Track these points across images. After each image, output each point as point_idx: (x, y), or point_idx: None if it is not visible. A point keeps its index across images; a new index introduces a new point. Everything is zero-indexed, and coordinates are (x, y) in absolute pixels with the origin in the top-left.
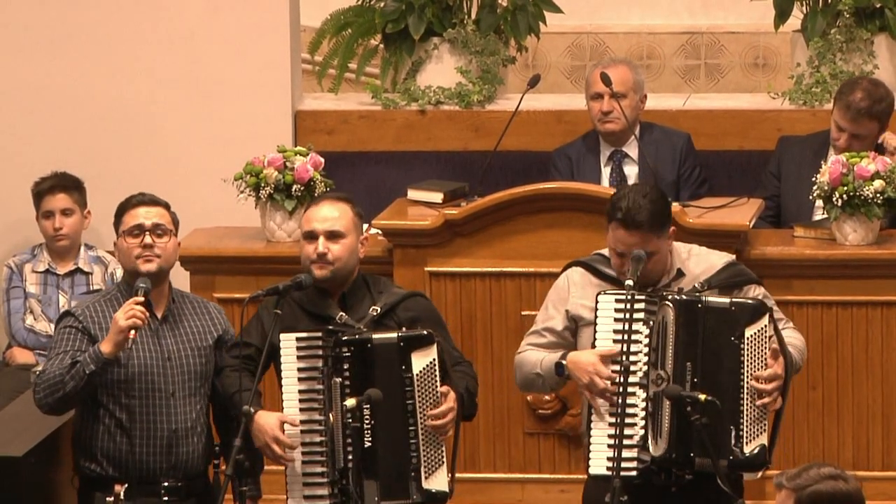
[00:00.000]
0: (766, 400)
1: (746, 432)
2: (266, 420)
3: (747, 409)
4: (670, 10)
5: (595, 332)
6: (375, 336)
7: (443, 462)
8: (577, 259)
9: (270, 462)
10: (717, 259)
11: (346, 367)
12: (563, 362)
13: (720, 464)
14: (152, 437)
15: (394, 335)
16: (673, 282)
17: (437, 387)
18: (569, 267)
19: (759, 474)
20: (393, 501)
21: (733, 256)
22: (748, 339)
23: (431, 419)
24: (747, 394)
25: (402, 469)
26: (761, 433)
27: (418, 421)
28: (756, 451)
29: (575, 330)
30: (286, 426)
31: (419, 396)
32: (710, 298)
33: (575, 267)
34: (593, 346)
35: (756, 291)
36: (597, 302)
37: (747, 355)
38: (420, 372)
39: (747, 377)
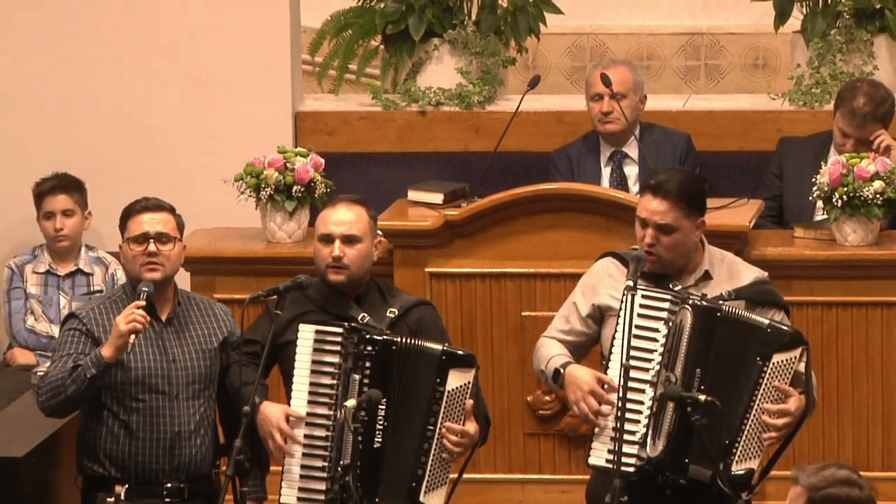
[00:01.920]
0: (772, 434)
1: (740, 452)
2: (271, 411)
3: (748, 430)
4: (670, 11)
5: (617, 324)
6: (421, 343)
7: (445, 483)
8: (614, 251)
9: (275, 463)
10: (748, 273)
11: (367, 364)
12: (562, 371)
13: (691, 465)
14: (155, 438)
15: (438, 347)
16: (699, 282)
17: (463, 410)
18: (605, 256)
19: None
20: None
21: (766, 274)
22: (774, 364)
23: (450, 437)
24: (754, 416)
25: (406, 475)
26: (754, 457)
27: (436, 435)
28: (742, 474)
29: (599, 319)
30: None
31: (444, 413)
32: (750, 315)
33: (611, 258)
34: (612, 340)
35: (777, 316)
36: (623, 296)
37: (767, 380)
38: (452, 390)
39: (759, 400)
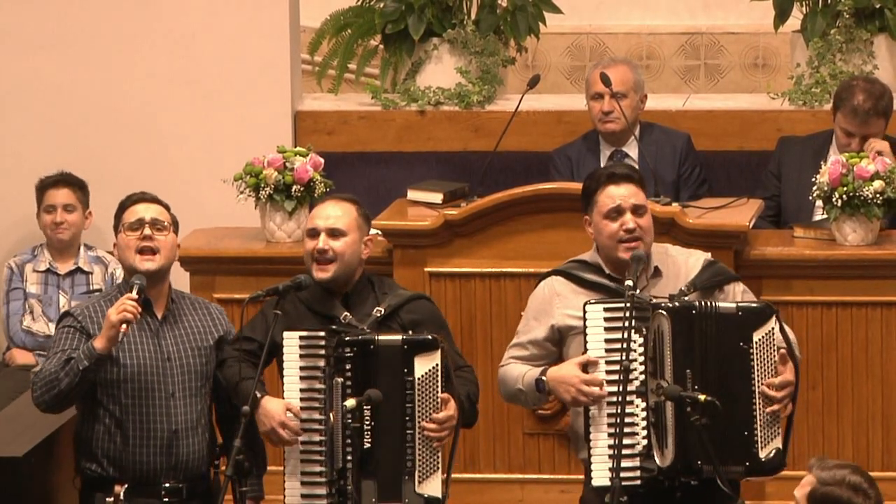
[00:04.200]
0: (775, 407)
1: (761, 437)
2: (273, 406)
3: (760, 414)
4: (670, 11)
5: (585, 342)
6: (379, 337)
7: (438, 468)
8: (556, 268)
9: (273, 462)
10: (694, 260)
11: (347, 367)
12: (544, 378)
13: (721, 467)
14: (152, 437)
15: (398, 337)
16: (650, 280)
17: (437, 393)
18: (547, 276)
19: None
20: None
21: (709, 255)
22: (757, 343)
23: (429, 426)
24: (759, 399)
25: (398, 471)
26: (776, 437)
27: (416, 425)
28: (772, 455)
29: (559, 341)
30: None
31: (419, 401)
32: (716, 304)
33: (555, 276)
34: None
35: (738, 289)
36: (585, 312)
37: (757, 359)
38: (422, 376)
39: (758, 382)
